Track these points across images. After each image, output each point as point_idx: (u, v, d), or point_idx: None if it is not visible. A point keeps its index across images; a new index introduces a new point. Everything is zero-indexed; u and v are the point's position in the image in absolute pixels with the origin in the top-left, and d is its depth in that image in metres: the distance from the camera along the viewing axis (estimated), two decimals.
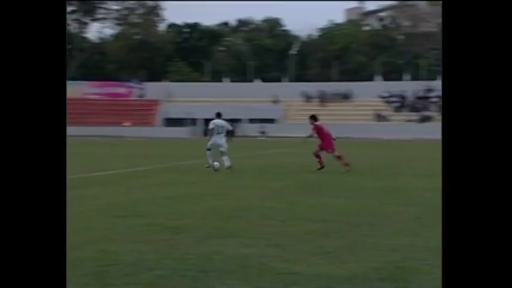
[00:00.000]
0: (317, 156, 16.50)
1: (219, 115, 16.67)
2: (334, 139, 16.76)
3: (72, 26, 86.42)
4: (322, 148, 16.60)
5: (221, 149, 16.05)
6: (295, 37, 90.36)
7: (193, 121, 62.69)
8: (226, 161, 15.82)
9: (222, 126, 16.22)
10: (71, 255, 5.43)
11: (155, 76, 75.09)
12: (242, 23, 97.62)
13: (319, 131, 16.67)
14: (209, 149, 16.12)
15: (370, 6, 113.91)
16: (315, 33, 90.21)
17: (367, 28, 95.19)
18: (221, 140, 16.11)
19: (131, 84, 72.00)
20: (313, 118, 16.95)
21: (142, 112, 65.68)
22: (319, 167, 16.19)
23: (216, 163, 15.69)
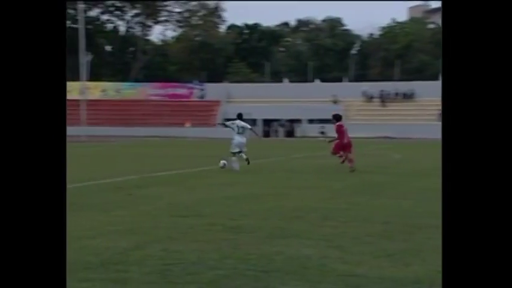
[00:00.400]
0: (346, 157, 16.57)
1: (240, 116, 17.39)
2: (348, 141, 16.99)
3: (136, 29, 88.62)
4: (343, 147, 16.72)
5: (240, 148, 16.81)
6: (356, 36, 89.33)
7: (253, 122, 62.93)
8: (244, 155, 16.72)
9: (243, 127, 16.93)
10: (136, 253, 5.58)
11: (215, 77, 75.93)
12: (302, 23, 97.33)
13: (339, 131, 16.87)
14: (235, 153, 16.64)
15: (435, 3, 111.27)
16: (377, 32, 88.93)
17: (431, 26, 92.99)
18: (242, 139, 16.85)
19: (192, 85, 73.09)
20: (336, 117, 17.17)
21: (203, 113, 66.53)
22: (350, 167, 16.07)
23: (223, 161, 16.24)
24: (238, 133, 16.82)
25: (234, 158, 16.53)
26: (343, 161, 16.63)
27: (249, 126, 17.24)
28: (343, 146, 16.77)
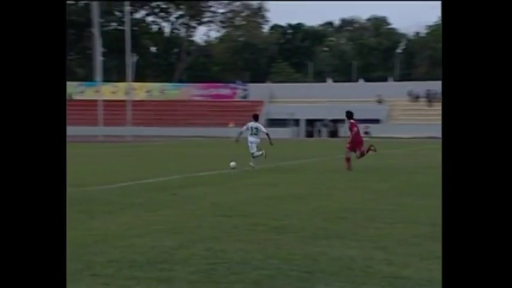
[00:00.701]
0: (363, 155, 16.92)
1: (256, 117, 17.97)
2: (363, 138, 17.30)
3: (180, 30, 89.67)
4: (353, 147, 16.86)
5: (254, 149, 17.14)
6: (402, 35, 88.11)
7: (296, 122, 62.86)
8: (253, 162, 16.81)
9: (257, 128, 17.35)
10: (181, 252, 5.64)
11: (258, 77, 76.11)
12: (346, 22, 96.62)
13: (352, 129, 17.04)
14: (254, 154, 17.15)
15: None
16: (423, 31, 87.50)
17: None
18: (257, 139, 17.24)
19: (235, 85, 73.45)
20: (349, 115, 17.43)
21: (246, 113, 66.65)
22: (347, 167, 16.36)
23: (233, 163, 16.45)
24: (251, 134, 17.27)
25: (257, 153, 17.05)
26: (347, 167, 16.55)
27: (264, 130, 17.51)
28: (354, 144, 16.87)
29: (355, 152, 16.87)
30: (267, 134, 17.34)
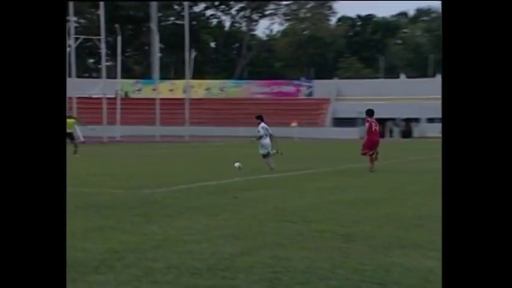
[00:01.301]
0: (369, 155, 17.14)
1: (262, 118, 18.41)
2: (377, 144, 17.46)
3: (241, 24, 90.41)
4: (371, 144, 17.14)
5: (269, 149, 17.81)
6: None
7: (365, 121, 62.20)
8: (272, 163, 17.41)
9: (268, 129, 18.03)
10: (243, 260, 5.68)
11: (324, 73, 75.75)
12: (422, 12, 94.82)
13: (369, 128, 17.43)
14: (266, 154, 17.66)
15: None
16: None
17: None
18: (268, 141, 17.71)
19: (299, 82, 73.37)
20: (368, 113, 17.93)
21: (311, 112, 66.55)
22: (370, 167, 16.70)
23: (237, 164, 16.75)
24: (266, 134, 17.79)
25: (264, 160, 17.49)
26: (372, 160, 16.88)
27: (271, 132, 18.07)
28: (371, 144, 17.10)
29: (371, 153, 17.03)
30: (271, 135, 17.99)
